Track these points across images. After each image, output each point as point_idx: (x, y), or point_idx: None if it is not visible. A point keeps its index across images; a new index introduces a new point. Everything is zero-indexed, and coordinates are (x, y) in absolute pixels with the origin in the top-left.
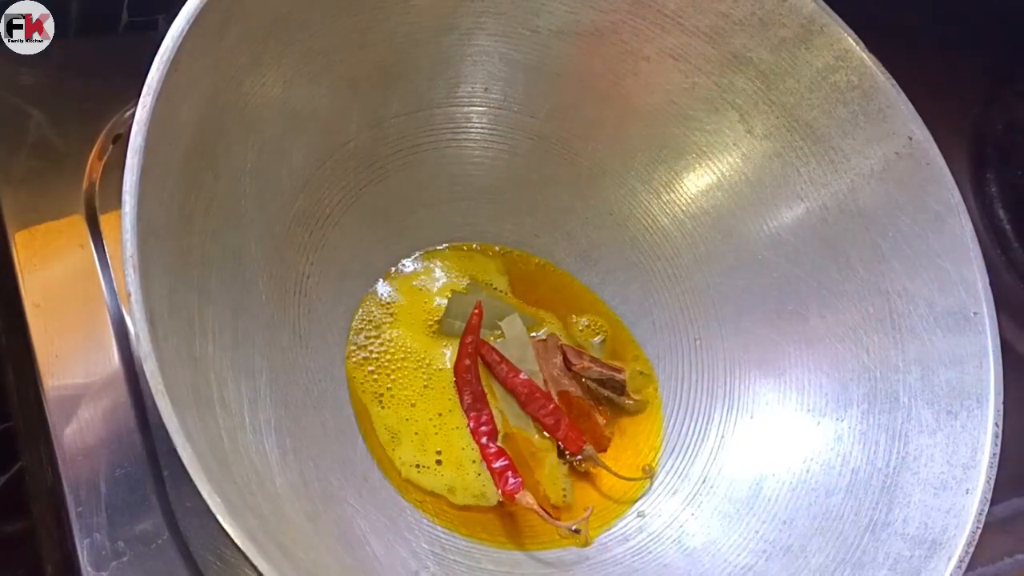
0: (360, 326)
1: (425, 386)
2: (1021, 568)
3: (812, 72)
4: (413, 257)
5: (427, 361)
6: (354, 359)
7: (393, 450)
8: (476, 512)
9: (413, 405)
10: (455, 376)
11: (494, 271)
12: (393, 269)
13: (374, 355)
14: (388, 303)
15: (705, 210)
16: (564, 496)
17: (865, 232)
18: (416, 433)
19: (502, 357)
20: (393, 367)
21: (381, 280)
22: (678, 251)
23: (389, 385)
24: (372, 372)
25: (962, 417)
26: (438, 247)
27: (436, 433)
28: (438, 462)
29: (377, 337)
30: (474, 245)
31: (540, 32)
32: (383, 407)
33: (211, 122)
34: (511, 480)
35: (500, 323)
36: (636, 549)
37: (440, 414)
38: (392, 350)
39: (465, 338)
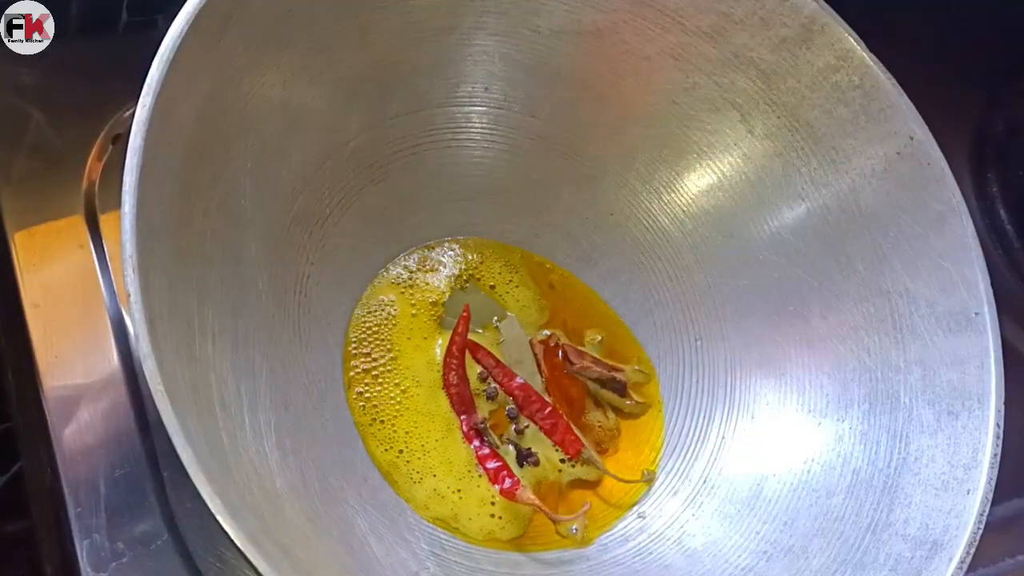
0: (359, 336)
1: (439, 440)
2: (1022, 569)
3: (813, 72)
4: (413, 255)
5: (436, 411)
6: (360, 410)
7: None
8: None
9: (435, 476)
10: (444, 387)
11: (501, 268)
12: (392, 267)
13: (378, 396)
14: (387, 303)
15: (706, 210)
16: (560, 472)
17: (866, 232)
18: (459, 497)
19: (497, 361)
20: (403, 418)
21: (380, 279)
22: (679, 251)
23: (403, 450)
24: (380, 422)
25: (963, 417)
26: (438, 244)
27: (459, 490)
28: (498, 517)
29: (378, 361)
30: (475, 242)
31: (541, 32)
32: (415, 483)
33: (211, 122)
34: (508, 479)
35: (499, 325)
36: (637, 550)
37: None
38: (396, 385)
39: (451, 347)
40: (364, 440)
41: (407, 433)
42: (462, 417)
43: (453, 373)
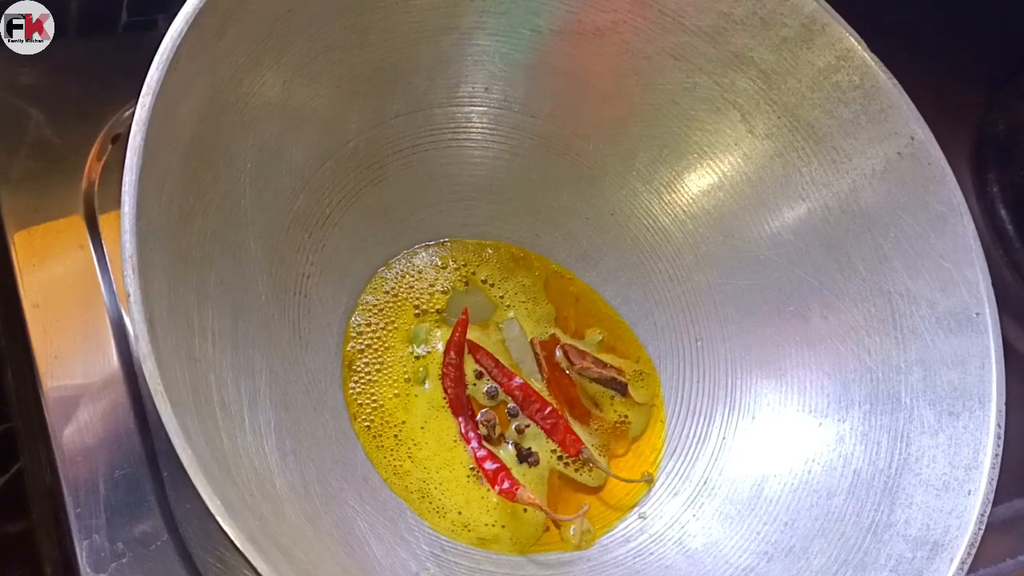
0: (359, 336)
1: (449, 456)
2: (1023, 569)
3: (814, 72)
4: (413, 255)
5: (440, 419)
6: (364, 431)
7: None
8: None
9: (460, 512)
10: (443, 391)
11: (501, 268)
12: (392, 267)
13: (379, 403)
14: (387, 304)
15: (706, 210)
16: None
17: (867, 232)
18: (460, 512)
19: (497, 362)
20: (409, 439)
21: (380, 279)
22: (679, 251)
23: (409, 463)
24: (385, 443)
25: (964, 418)
26: (438, 244)
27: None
28: (502, 526)
29: (380, 364)
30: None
31: (541, 32)
32: (424, 499)
33: (210, 122)
34: (506, 480)
35: (500, 325)
36: (637, 551)
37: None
38: (396, 395)
39: (448, 350)
40: (372, 463)
41: (414, 447)
42: (459, 419)
43: (449, 378)
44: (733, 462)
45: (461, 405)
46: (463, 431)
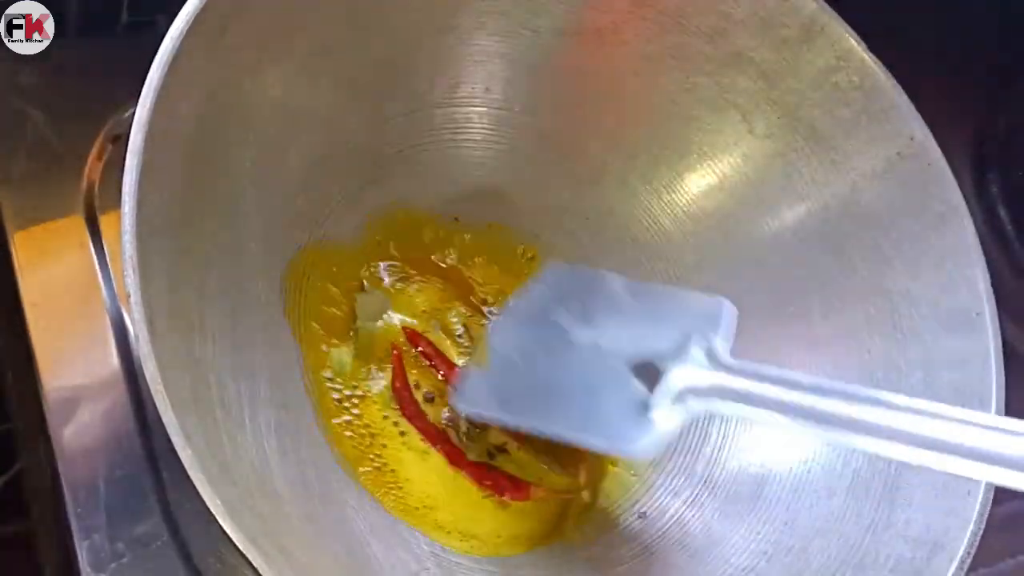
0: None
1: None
2: (1022, 569)
3: (814, 72)
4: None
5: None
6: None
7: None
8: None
9: (467, 537)
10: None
11: (501, 268)
12: (393, 268)
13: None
14: (387, 304)
15: (706, 211)
16: None
17: (867, 233)
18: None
19: (437, 351)
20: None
21: (381, 279)
22: (679, 252)
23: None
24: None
25: None
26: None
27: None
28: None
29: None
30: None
31: (541, 32)
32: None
33: (211, 122)
34: (511, 484)
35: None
36: (637, 550)
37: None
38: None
39: (395, 388)
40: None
41: (423, 495)
42: (436, 447)
43: (409, 412)
44: (733, 462)
45: (435, 433)
46: (450, 460)
